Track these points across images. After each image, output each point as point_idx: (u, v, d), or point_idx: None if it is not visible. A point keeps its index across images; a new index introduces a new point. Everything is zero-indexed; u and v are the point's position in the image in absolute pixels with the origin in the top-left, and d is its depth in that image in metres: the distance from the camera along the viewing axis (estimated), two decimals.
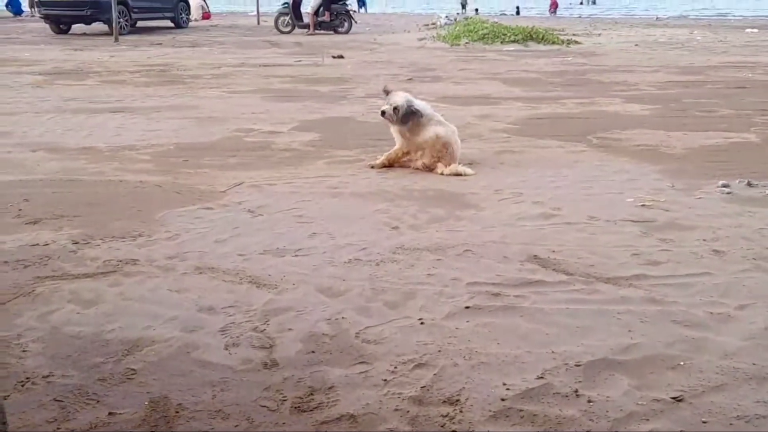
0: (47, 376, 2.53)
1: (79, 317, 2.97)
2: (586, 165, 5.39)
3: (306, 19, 18.61)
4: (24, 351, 2.70)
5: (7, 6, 28.78)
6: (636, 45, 15.71)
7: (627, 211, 4.31)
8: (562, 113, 7.54)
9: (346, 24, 18.93)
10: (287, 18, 18.72)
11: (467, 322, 2.93)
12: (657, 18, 30.33)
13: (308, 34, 18.16)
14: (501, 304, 3.08)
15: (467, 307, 3.05)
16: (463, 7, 37.06)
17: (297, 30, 18.74)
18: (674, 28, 21.86)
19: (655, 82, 9.94)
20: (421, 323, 2.92)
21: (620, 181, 4.95)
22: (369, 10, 37.82)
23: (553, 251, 3.65)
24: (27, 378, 2.52)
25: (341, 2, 18.94)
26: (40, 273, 3.40)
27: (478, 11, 34.96)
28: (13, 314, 2.98)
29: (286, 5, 18.74)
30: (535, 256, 3.59)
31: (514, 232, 3.95)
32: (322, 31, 18.46)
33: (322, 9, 18.40)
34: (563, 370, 2.55)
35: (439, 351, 2.69)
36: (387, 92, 5.36)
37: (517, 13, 35.61)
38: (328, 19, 18.55)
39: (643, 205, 4.41)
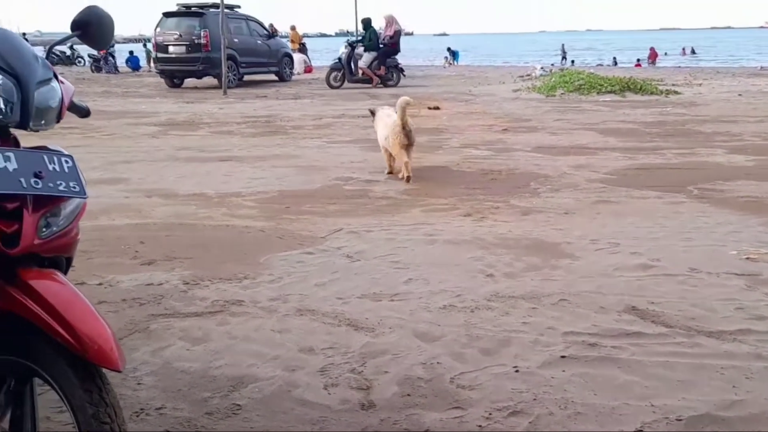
0: (159, 408, 2.70)
1: (188, 353, 3.15)
2: (687, 216, 5.26)
3: (359, 74, 18.92)
4: (139, 384, 2.89)
5: (126, 62, 31.04)
6: (739, 95, 15.19)
7: (730, 263, 4.19)
8: (661, 164, 7.40)
9: (394, 77, 19.27)
10: (339, 73, 19.12)
11: (563, 371, 2.92)
12: (761, 67, 29.16)
13: (375, 86, 18.39)
14: (598, 354, 3.06)
15: (563, 357, 3.04)
16: (564, 58, 37.16)
17: (347, 84, 18.96)
18: None
19: (760, 132, 9.58)
20: (516, 371, 2.93)
21: (723, 233, 4.81)
22: (460, 62, 38.24)
23: (652, 303, 3.59)
24: (141, 409, 2.70)
25: (393, 57, 19.35)
26: (154, 311, 3.63)
27: (574, 63, 34.92)
28: (130, 349, 3.19)
29: (338, 61, 19.15)
30: (633, 307, 3.54)
31: (611, 282, 3.91)
32: (367, 85, 18.62)
33: (376, 63, 18.82)
34: (663, 424, 2.51)
35: (535, 399, 2.70)
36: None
37: (615, 63, 35.31)
38: (383, 73, 18.95)
39: (747, 258, 4.27)
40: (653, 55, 36.64)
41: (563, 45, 40.81)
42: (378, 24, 19.70)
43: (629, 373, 2.89)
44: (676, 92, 15.67)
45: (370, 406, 2.69)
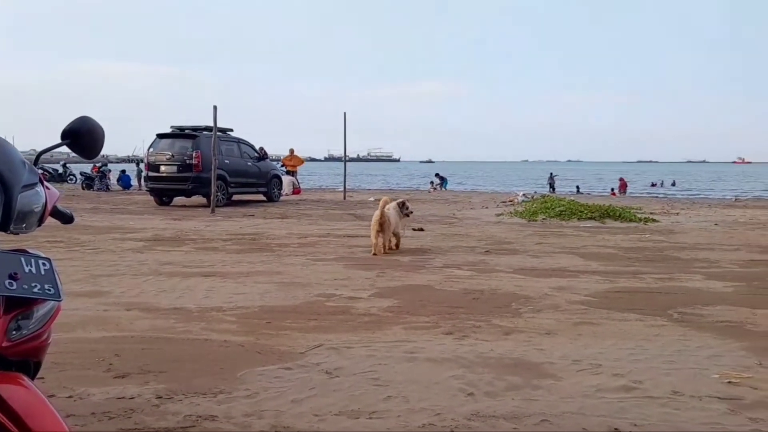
0: None
1: None
2: (668, 339, 5.26)
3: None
4: None
5: (117, 181, 31.59)
6: (715, 224, 15.55)
7: (712, 387, 4.16)
8: (641, 287, 7.47)
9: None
10: None
11: None
12: (736, 199, 30.12)
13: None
14: None
15: None
16: (552, 187, 38.50)
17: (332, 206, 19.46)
18: (754, 209, 21.60)
19: (736, 260, 9.75)
20: None
21: (704, 357, 4.80)
22: (448, 187, 39.32)
23: (635, 425, 3.53)
24: None
25: None
26: (123, 425, 3.51)
27: (555, 190, 36.14)
28: None
29: None
30: (616, 429, 3.48)
31: (593, 403, 3.86)
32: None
33: None
34: None
35: None
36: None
37: (577, 191, 37.25)
38: None
39: (729, 382, 4.25)
40: (623, 186, 38.71)
41: (552, 173, 41.90)
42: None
43: None
44: (654, 220, 16.04)
45: None
